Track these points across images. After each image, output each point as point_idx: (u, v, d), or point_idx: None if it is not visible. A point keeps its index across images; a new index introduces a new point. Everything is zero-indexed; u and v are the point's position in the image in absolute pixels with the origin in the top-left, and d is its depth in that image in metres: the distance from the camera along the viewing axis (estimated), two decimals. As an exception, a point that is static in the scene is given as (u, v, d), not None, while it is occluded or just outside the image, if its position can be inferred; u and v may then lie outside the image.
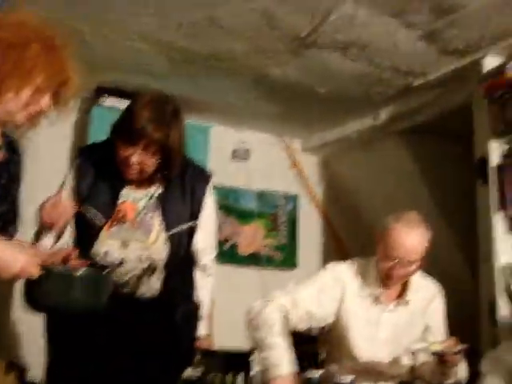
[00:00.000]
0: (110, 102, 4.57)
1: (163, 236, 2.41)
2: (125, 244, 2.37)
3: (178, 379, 2.21)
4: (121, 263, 2.37)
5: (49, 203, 2.18)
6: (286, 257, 5.72)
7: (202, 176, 2.58)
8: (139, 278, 2.41)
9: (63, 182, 2.46)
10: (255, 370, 2.39)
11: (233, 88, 4.64)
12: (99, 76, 4.37)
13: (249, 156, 5.65)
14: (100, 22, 3.66)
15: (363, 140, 5.19)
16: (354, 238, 5.86)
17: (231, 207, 5.34)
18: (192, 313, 2.54)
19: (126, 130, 2.29)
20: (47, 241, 2.22)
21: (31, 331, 4.19)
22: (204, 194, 2.53)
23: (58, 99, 1.82)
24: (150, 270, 2.42)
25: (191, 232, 2.49)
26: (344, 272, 2.68)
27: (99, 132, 4.64)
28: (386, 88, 4.35)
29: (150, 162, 2.32)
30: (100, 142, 2.55)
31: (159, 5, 3.38)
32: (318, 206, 5.96)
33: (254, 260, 5.55)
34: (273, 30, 3.61)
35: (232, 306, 5.00)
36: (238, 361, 2.45)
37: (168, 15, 3.51)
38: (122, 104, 4.71)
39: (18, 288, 1.92)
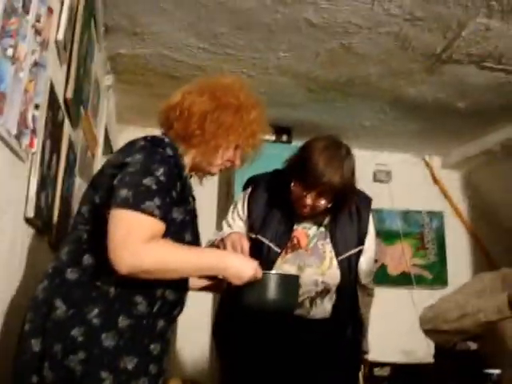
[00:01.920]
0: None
1: (335, 262, 2.50)
2: (301, 269, 2.46)
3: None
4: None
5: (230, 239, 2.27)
6: (436, 275, 5.68)
7: (365, 202, 2.68)
8: (312, 299, 2.51)
9: (232, 213, 2.63)
10: None
11: (369, 111, 4.75)
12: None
13: (390, 177, 5.71)
14: (238, 60, 3.91)
15: (506, 151, 5.09)
16: (503, 252, 5.74)
17: (377, 229, 5.28)
18: (359, 329, 2.63)
19: (302, 173, 2.37)
20: None
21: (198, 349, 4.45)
22: (368, 219, 2.63)
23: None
24: (324, 293, 2.52)
25: (358, 256, 2.58)
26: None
27: (245, 170, 4.88)
28: (527, 95, 4.28)
29: (324, 204, 2.42)
30: (268, 172, 2.66)
31: (295, 39, 3.58)
32: (464, 221, 5.89)
33: (403, 280, 5.57)
34: (406, 51, 3.70)
35: (387, 326, 5.05)
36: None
37: (305, 47, 3.69)
38: (265, 137, 4.91)
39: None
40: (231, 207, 2.68)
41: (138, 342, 1.76)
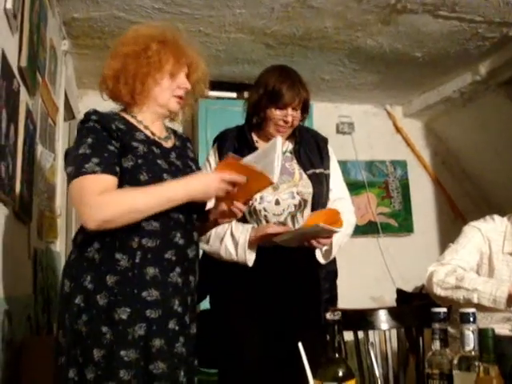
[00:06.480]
0: (214, 93, 4.78)
1: (305, 175, 2.67)
2: (275, 187, 2.59)
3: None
4: (277, 202, 2.63)
5: None
6: (401, 223, 5.80)
7: (320, 135, 2.87)
8: (293, 216, 2.63)
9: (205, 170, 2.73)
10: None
11: (328, 64, 4.78)
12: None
13: (353, 129, 5.76)
14: (195, 18, 3.90)
15: (465, 98, 5.18)
16: (465, 197, 5.89)
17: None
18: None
19: (277, 96, 2.61)
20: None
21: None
22: (327, 149, 2.79)
23: (192, 82, 2.20)
24: (302, 205, 2.64)
25: (326, 177, 2.72)
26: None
27: (207, 122, 4.90)
28: (482, 41, 4.34)
29: (298, 116, 2.67)
30: (232, 127, 2.84)
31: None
32: (427, 169, 6.00)
33: (370, 229, 5.67)
34: (361, 2, 3.73)
35: (355, 274, 5.15)
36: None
37: (260, 3, 3.70)
38: (227, 95, 4.96)
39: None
40: (203, 166, 2.75)
41: (128, 294, 1.93)
